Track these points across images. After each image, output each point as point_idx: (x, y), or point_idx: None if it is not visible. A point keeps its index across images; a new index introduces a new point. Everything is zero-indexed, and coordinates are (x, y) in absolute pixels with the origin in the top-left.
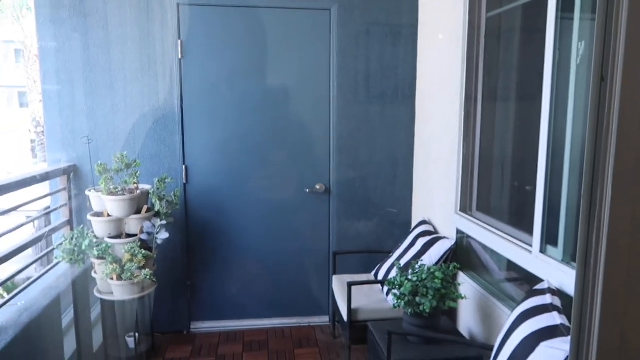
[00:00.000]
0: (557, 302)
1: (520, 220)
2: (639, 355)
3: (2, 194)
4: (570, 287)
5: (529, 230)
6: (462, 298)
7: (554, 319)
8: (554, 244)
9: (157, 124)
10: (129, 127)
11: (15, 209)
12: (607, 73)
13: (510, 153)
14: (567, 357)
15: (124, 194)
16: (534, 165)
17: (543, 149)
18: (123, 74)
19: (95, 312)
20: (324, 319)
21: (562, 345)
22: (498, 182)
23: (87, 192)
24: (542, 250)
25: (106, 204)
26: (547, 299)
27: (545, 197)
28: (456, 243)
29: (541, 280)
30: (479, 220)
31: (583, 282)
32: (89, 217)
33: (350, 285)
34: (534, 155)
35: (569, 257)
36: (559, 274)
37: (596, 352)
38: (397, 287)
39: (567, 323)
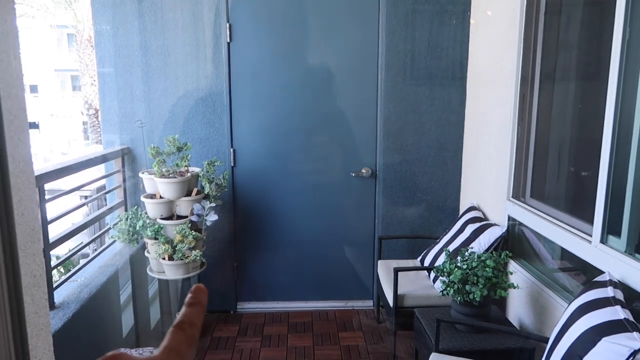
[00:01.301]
0: (619, 295)
1: (578, 208)
2: None
3: (64, 176)
4: (634, 280)
5: (588, 219)
6: (514, 287)
7: (617, 313)
8: (617, 234)
9: (206, 108)
10: (179, 111)
11: (77, 189)
12: None
13: (568, 137)
14: (633, 353)
15: (175, 177)
16: (595, 150)
17: (608, 132)
18: (174, 57)
19: (150, 290)
20: (368, 303)
21: (626, 342)
22: (554, 168)
23: (140, 174)
24: (603, 241)
25: (158, 186)
26: (609, 291)
27: (608, 184)
28: (507, 230)
29: (601, 272)
30: (533, 207)
31: None
32: (142, 198)
33: (396, 271)
34: (595, 139)
35: (632, 248)
36: (621, 266)
37: None
38: (446, 274)
39: (631, 318)
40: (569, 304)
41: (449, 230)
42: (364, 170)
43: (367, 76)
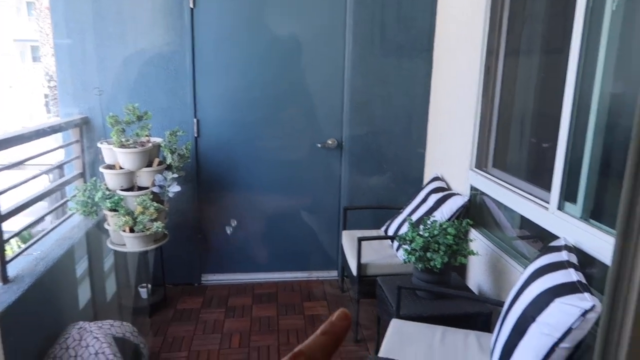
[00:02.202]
0: (573, 259)
1: (538, 177)
2: None
3: (15, 145)
4: (587, 245)
5: (547, 187)
6: (474, 254)
7: (570, 275)
8: (573, 200)
9: (169, 76)
10: (140, 79)
11: (26, 160)
12: None
13: (530, 109)
14: (584, 312)
15: (135, 147)
16: (556, 121)
17: (568, 104)
18: (134, 24)
19: (109, 262)
20: (333, 274)
21: (578, 302)
22: (516, 139)
23: (99, 145)
24: (560, 207)
25: (118, 157)
26: (563, 255)
27: (566, 153)
28: (469, 200)
29: (557, 238)
30: (494, 176)
31: (622, 248)
32: (101, 169)
33: (360, 240)
34: (555, 111)
35: (587, 214)
36: (576, 231)
37: (631, 325)
38: (409, 242)
39: (583, 280)
40: (525, 268)
41: (413, 200)
42: (329, 141)
43: (335, 47)
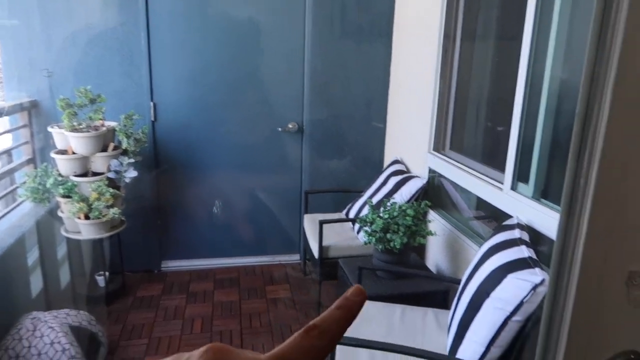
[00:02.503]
0: (525, 236)
1: (493, 159)
2: (614, 298)
3: None
4: (538, 223)
5: (501, 169)
6: (432, 234)
7: (522, 252)
8: (525, 181)
9: (123, 58)
10: (92, 61)
11: None
12: None
13: (486, 93)
14: (534, 286)
15: (88, 131)
16: (510, 106)
17: (520, 89)
18: (84, 3)
19: (63, 251)
20: (295, 257)
21: (529, 277)
22: (472, 122)
23: (49, 129)
24: (513, 187)
25: (70, 141)
26: (516, 233)
27: (519, 137)
28: (428, 182)
29: (510, 217)
30: (451, 159)
31: (566, 225)
32: (52, 154)
33: (322, 223)
34: (509, 95)
35: (538, 194)
36: (528, 210)
37: (574, 295)
38: (369, 224)
39: (534, 256)
40: (480, 247)
41: (373, 183)
42: (290, 125)
43: (294, 29)
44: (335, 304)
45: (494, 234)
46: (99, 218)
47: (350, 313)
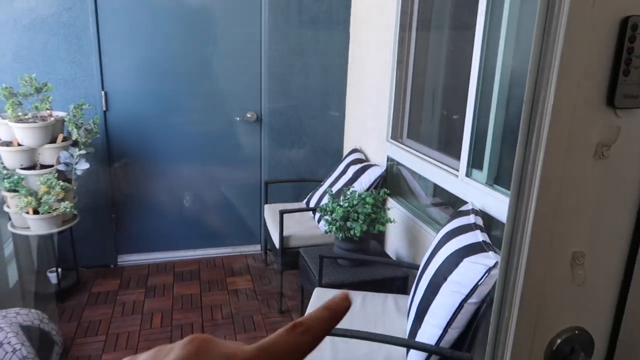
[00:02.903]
0: (479, 221)
1: (448, 146)
2: (560, 278)
3: None
4: (491, 208)
5: (457, 156)
6: (391, 222)
7: (477, 236)
8: (479, 167)
9: (71, 45)
10: (38, 47)
11: None
12: None
13: (441, 82)
14: (488, 269)
15: (35, 121)
16: (464, 94)
17: (474, 79)
18: None
19: (11, 247)
20: (256, 248)
21: (483, 260)
22: (429, 110)
23: None
24: (468, 174)
25: (15, 132)
26: (471, 218)
27: (473, 125)
28: (386, 170)
29: (465, 203)
30: (409, 147)
31: (515, 208)
32: None
33: (282, 213)
34: (464, 84)
35: (492, 180)
36: (482, 196)
37: (523, 276)
38: (329, 213)
39: (487, 240)
40: (437, 232)
41: (333, 172)
42: (249, 115)
43: (251, 17)
44: (323, 305)
45: (450, 220)
46: (49, 212)
47: (335, 315)
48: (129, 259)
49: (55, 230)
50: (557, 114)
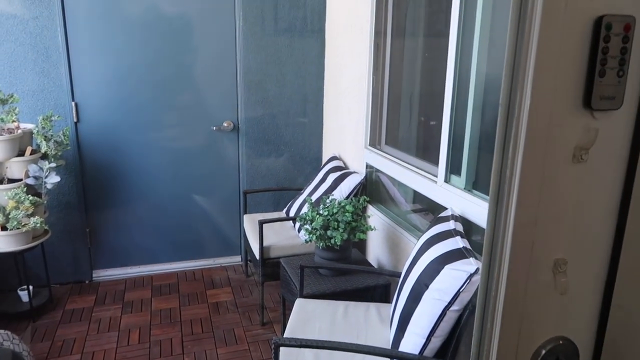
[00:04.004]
0: (459, 227)
1: (427, 152)
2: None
3: None
4: (470, 213)
5: (435, 162)
6: (371, 229)
7: (457, 243)
8: (458, 173)
9: (38, 55)
10: (2, 58)
11: None
12: None
13: (418, 88)
14: (469, 276)
15: (1, 134)
16: (441, 101)
17: (449, 85)
18: None
19: None
20: (236, 259)
21: (464, 267)
22: (406, 117)
23: None
24: (447, 180)
25: None
26: (451, 224)
27: (450, 131)
28: (366, 177)
29: (445, 209)
30: (387, 153)
31: (495, 215)
32: None
33: (261, 223)
34: (440, 90)
35: (470, 185)
36: (461, 201)
37: (505, 284)
38: (309, 222)
39: (468, 246)
40: (418, 239)
41: (312, 181)
42: (225, 124)
43: (225, 24)
44: None
45: (430, 226)
46: (17, 228)
47: None
48: (104, 274)
49: (25, 246)
50: (533, 118)
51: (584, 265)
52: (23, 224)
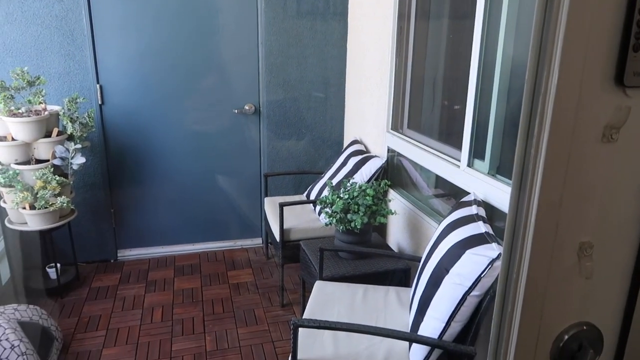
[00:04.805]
0: (482, 212)
1: (450, 136)
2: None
3: None
4: (493, 198)
5: (458, 146)
6: (392, 214)
7: (479, 227)
8: (481, 157)
9: (64, 38)
10: (30, 41)
11: None
12: None
13: (441, 72)
14: (491, 261)
15: (29, 115)
16: (465, 84)
17: (474, 68)
18: None
19: (9, 243)
20: (257, 241)
21: (486, 252)
22: (429, 100)
23: None
24: (470, 164)
25: (9, 127)
26: (473, 209)
27: (474, 114)
28: (387, 161)
29: (467, 193)
30: (409, 137)
31: (518, 196)
32: None
33: (282, 205)
34: (465, 73)
35: (494, 170)
36: (484, 186)
37: (527, 268)
38: (329, 205)
39: (490, 231)
40: (439, 224)
41: (333, 164)
42: (247, 107)
43: (246, 7)
44: None
45: (452, 211)
46: (45, 208)
47: None
48: (129, 254)
49: (52, 225)
50: (561, 94)
51: (611, 249)
52: (50, 203)
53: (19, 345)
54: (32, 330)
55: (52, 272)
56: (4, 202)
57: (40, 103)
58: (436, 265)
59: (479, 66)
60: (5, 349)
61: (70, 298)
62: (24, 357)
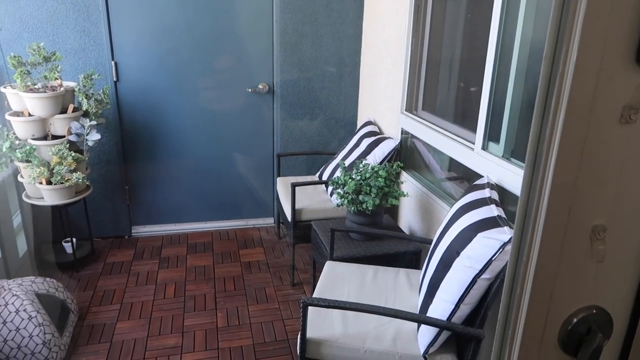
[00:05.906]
0: (495, 195)
1: (465, 118)
2: (578, 253)
3: None
4: (507, 182)
5: (473, 129)
6: (404, 196)
7: (492, 211)
8: (496, 140)
9: (79, 14)
10: (45, 16)
11: None
12: None
13: (458, 53)
14: (502, 245)
15: (45, 91)
16: (482, 66)
17: (491, 50)
18: None
19: (26, 217)
20: (269, 221)
21: (497, 235)
22: (445, 82)
23: (2, 89)
24: (484, 147)
25: (26, 102)
26: (486, 192)
27: (490, 97)
28: (400, 143)
29: (481, 177)
30: (424, 119)
31: (532, 174)
32: (7, 116)
33: (294, 185)
34: (482, 55)
35: (508, 153)
36: (498, 169)
37: (537, 250)
38: (341, 186)
39: (503, 215)
40: (452, 207)
41: (346, 145)
42: (260, 86)
43: None
44: None
45: (464, 194)
46: (61, 183)
47: None
48: (142, 230)
49: (68, 200)
50: (580, 72)
51: (624, 233)
52: (66, 179)
53: (35, 317)
54: (49, 302)
55: (68, 247)
56: (22, 176)
57: (56, 79)
58: (447, 248)
59: (497, 47)
60: (23, 319)
61: (86, 272)
62: (41, 327)
